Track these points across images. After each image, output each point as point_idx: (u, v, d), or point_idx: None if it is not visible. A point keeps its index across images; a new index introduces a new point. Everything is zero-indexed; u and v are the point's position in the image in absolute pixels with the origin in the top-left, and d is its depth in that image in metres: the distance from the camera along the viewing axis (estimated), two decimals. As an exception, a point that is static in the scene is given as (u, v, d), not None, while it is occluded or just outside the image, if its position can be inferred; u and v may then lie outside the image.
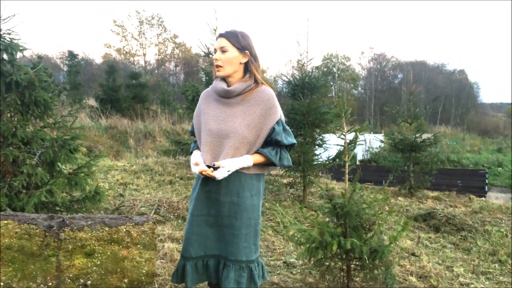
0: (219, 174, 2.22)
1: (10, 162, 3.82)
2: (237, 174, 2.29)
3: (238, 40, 2.31)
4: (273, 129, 2.30)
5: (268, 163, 2.35)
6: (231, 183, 2.30)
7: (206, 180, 2.34)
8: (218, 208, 2.33)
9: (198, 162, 2.30)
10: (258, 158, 2.30)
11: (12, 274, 2.20)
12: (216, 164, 2.23)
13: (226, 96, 2.35)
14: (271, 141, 2.32)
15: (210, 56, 8.40)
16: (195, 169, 2.30)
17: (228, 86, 2.35)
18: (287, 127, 2.38)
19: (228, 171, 2.22)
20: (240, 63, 2.33)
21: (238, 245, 2.29)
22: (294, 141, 2.37)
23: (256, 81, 2.37)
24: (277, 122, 2.32)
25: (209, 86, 2.44)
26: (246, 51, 2.32)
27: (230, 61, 2.30)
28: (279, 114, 2.34)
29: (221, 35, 2.34)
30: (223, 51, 2.30)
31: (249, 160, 2.27)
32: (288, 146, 2.36)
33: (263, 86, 2.36)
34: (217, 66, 2.32)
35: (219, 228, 2.35)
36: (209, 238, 2.37)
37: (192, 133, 2.58)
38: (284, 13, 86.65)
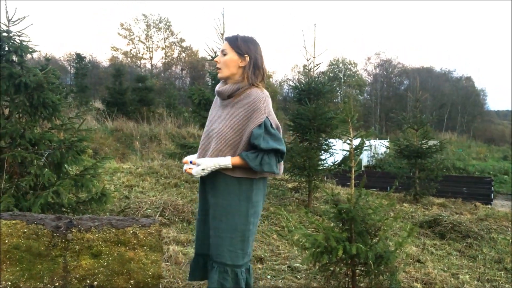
0: (194, 171, 2.28)
1: (18, 163, 3.85)
2: (224, 177, 2.30)
3: (237, 44, 2.34)
4: (251, 132, 2.24)
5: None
6: (218, 186, 2.32)
7: (203, 181, 2.44)
8: (207, 209, 2.42)
9: (186, 160, 2.40)
10: (238, 161, 2.24)
11: (20, 273, 2.22)
12: (193, 161, 2.31)
13: (221, 98, 2.42)
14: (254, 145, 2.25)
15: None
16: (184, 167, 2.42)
17: None
18: (275, 132, 2.27)
19: (203, 169, 2.25)
20: (239, 66, 2.35)
21: (222, 248, 2.31)
22: (277, 146, 2.21)
23: (250, 84, 2.35)
24: (259, 125, 2.24)
25: (215, 90, 2.47)
26: (246, 56, 2.34)
27: (227, 64, 2.34)
28: (264, 117, 2.26)
29: (225, 39, 2.42)
30: (224, 54, 2.36)
31: (227, 161, 2.23)
32: (275, 152, 2.23)
33: (254, 88, 2.33)
34: (217, 68, 2.40)
35: (208, 229, 2.43)
36: (207, 237, 2.45)
37: None
38: (285, 13, 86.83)
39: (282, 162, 2.40)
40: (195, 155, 2.45)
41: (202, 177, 2.38)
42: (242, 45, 2.34)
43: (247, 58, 2.34)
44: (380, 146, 21.19)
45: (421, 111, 9.69)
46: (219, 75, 2.39)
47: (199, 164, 2.26)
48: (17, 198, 3.75)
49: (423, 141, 8.94)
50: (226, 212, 2.30)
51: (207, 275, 2.46)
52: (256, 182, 2.35)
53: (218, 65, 2.37)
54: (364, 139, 3.41)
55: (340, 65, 48.89)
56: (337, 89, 40.70)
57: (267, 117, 2.27)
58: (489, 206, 9.75)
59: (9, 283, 2.19)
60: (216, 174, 2.30)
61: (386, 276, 3.15)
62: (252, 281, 2.49)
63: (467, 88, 49.89)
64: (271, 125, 2.27)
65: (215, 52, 8.48)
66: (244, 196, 2.32)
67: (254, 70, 2.35)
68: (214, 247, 2.34)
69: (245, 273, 2.38)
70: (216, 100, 2.50)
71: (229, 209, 2.30)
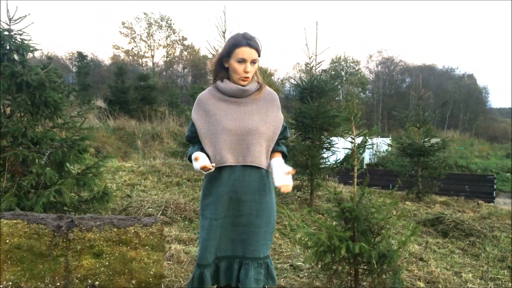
0: (291, 184, 2.32)
1: (20, 161, 3.85)
2: (258, 171, 2.35)
3: (260, 51, 2.36)
4: (284, 127, 2.49)
5: None
6: (254, 182, 2.32)
7: (227, 182, 2.31)
8: (238, 208, 2.32)
9: (197, 156, 2.24)
10: (281, 158, 2.46)
11: (21, 273, 2.21)
12: (291, 171, 2.29)
13: (239, 96, 2.36)
14: (278, 138, 2.48)
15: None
16: (196, 165, 2.24)
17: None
18: None
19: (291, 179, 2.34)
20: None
21: (257, 243, 2.32)
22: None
23: (257, 82, 2.46)
24: (282, 120, 2.50)
25: (235, 89, 2.38)
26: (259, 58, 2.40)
27: (254, 71, 2.39)
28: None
29: (251, 46, 2.30)
30: (254, 63, 2.33)
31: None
32: None
33: (266, 86, 2.48)
34: (246, 77, 2.33)
35: (235, 228, 2.34)
36: (222, 240, 2.35)
37: (189, 138, 2.51)
38: (287, 11, 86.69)
39: None
40: (202, 153, 2.31)
41: (229, 176, 2.31)
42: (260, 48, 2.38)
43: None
44: (382, 144, 21.17)
45: (424, 109, 9.64)
46: (246, 83, 2.35)
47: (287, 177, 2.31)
48: (19, 197, 3.75)
49: (426, 139, 8.91)
50: (262, 207, 2.34)
51: (214, 280, 2.38)
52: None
53: (248, 75, 2.31)
54: (367, 138, 3.39)
55: (342, 63, 48.83)
56: (339, 87, 40.59)
57: None
58: (491, 204, 9.71)
59: (10, 283, 2.18)
60: (252, 170, 2.32)
61: (389, 275, 3.14)
62: None
63: (470, 86, 49.80)
64: None
65: (216, 50, 8.46)
66: (271, 188, 2.42)
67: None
68: (247, 244, 2.33)
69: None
70: (214, 98, 2.40)
71: (264, 203, 2.34)
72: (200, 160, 2.24)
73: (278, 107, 2.47)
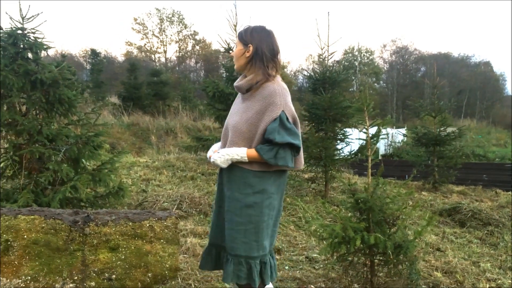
0: (212, 158, 2.31)
1: (36, 159, 3.90)
2: (240, 169, 2.29)
3: (242, 36, 2.36)
4: (269, 128, 2.23)
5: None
6: (234, 179, 2.32)
7: (220, 174, 2.45)
8: (224, 201, 2.41)
9: (215, 149, 2.46)
10: (253, 153, 2.24)
11: (39, 268, 2.25)
12: (215, 150, 2.42)
13: (241, 92, 2.43)
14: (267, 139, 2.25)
15: (231, 51, 8.42)
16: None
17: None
18: (291, 126, 2.25)
19: (220, 156, 2.27)
20: (246, 57, 2.34)
21: (236, 240, 2.30)
22: (291, 140, 2.21)
23: (266, 77, 2.32)
24: (275, 120, 2.22)
25: (229, 82, 2.50)
26: (249, 45, 2.32)
27: (236, 56, 2.37)
28: (279, 111, 2.24)
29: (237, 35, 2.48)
30: (236, 47, 2.43)
31: (243, 152, 2.24)
32: (290, 146, 2.23)
33: (269, 82, 2.30)
34: (234, 64, 2.47)
35: (223, 221, 2.41)
36: (221, 230, 2.44)
37: None
38: (299, 1, 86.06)
39: (302, 155, 2.40)
40: (219, 144, 2.52)
41: (220, 170, 2.42)
42: (246, 35, 2.34)
43: (251, 48, 2.31)
44: (397, 135, 20.98)
45: (439, 98, 9.50)
46: (236, 67, 2.48)
47: (218, 152, 2.31)
48: (36, 194, 3.80)
49: (441, 128, 8.81)
50: (241, 205, 2.29)
51: (218, 266, 2.48)
52: (272, 175, 2.33)
53: (233, 60, 2.44)
54: (381, 128, 3.36)
55: (356, 53, 48.41)
56: (353, 77, 40.24)
57: (283, 111, 2.25)
58: (510, 193, 9.57)
59: (29, 277, 2.22)
60: (233, 167, 2.30)
61: (405, 266, 3.12)
62: (270, 275, 2.42)
63: (486, 73, 48.95)
64: (287, 119, 2.25)
65: (228, 44, 8.46)
66: (258, 189, 2.30)
67: (262, 59, 2.31)
68: (229, 240, 2.34)
69: (260, 265, 2.34)
70: (239, 94, 2.50)
71: (243, 202, 2.28)
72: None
73: (269, 104, 2.24)
